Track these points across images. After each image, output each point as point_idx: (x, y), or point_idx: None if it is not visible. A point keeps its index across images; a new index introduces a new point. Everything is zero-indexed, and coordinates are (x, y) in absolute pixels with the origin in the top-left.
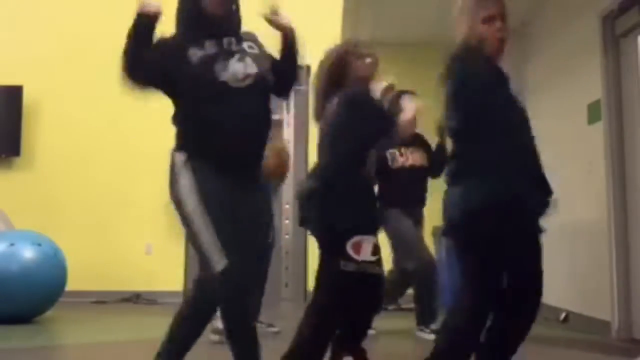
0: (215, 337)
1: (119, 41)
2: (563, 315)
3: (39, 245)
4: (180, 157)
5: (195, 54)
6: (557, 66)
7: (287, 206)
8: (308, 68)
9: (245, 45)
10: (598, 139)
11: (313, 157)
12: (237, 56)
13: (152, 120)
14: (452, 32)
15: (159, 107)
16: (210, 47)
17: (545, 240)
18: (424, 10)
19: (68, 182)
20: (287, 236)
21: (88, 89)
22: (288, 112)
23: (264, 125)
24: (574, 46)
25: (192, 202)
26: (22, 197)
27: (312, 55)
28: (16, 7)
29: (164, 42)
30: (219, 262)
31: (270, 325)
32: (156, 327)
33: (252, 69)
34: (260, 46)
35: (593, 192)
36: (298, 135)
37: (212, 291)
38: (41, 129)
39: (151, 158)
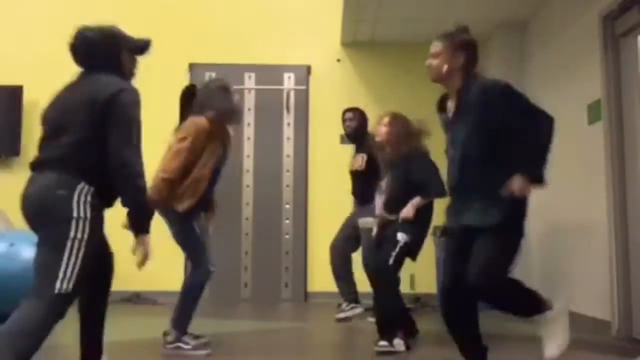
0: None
1: None
2: None
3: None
4: (85, 186)
5: None
6: (557, 66)
7: (287, 206)
8: (308, 68)
9: None
10: (598, 139)
11: (313, 157)
12: None
13: (151, 120)
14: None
15: (159, 106)
16: None
17: (545, 239)
18: (424, 10)
19: None
20: (287, 236)
21: None
22: (288, 111)
23: None
24: (574, 46)
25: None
26: None
27: (312, 55)
28: (16, 7)
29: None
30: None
31: (198, 337)
32: (156, 327)
33: None
34: None
35: (593, 192)
36: (298, 135)
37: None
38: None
39: (151, 158)
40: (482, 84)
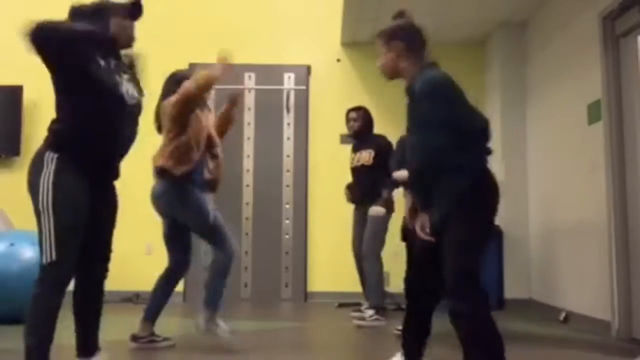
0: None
1: None
2: (563, 315)
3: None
4: (50, 155)
5: (99, 60)
6: (557, 66)
7: (287, 206)
8: (308, 68)
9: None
10: (598, 139)
11: (313, 157)
12: (126, 77)
13: (151, 120)
14: (452, 32)
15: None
16: (109, 61)
17: (546, 239)
18: (424, 10)
19: None
20: (287, 236)
21: None
22: (288, 111)
23: (131, 142)
24: (574, 46)
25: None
26: (22, 197)
27: (312, 55)
28: (16, 7)
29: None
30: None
31: (166, 339)
32: (156, 327)
33: (135, 92)
34: (138, 71)
35: (593, 192)
36: (298, 135)
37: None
38: (41, 129)
39: (151, 157)
40: (423, 76)
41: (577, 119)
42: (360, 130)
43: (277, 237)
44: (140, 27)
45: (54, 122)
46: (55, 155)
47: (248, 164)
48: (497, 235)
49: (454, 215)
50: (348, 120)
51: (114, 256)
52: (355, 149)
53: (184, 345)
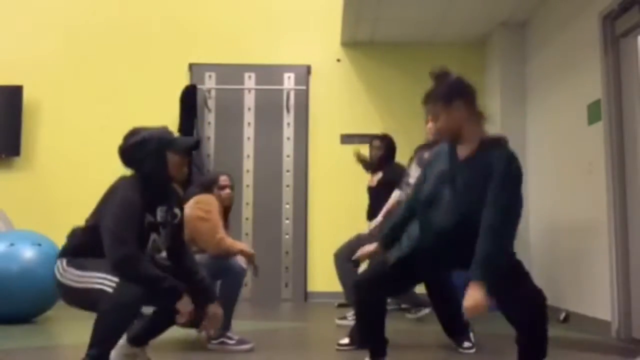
0: None
1: (119, 41)
2: (563, 315)
3: (39, 245)
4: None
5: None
6: (557, 66)
7: (287, 206)
8: (308, 68)
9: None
10: (598, 139)
11: (313, 157)
12: (162, 231)
13: (151, 120)
14: (452, 32)
15: (159, 106)
16: (159, 214)
17: (546, 239)
18: (424, 10)
19: (68, 182)
20: (287, 236)
21: (88, 89)
22: (288, 111)
23: None
24: (574, 46)
25: None
26: (22, 197)
27: (312, 55)
28: (16, 7)
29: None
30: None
31: (242, 342)
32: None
33: (161, 246)
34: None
35: (593, 192)
36: (298, 135)
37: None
38: (41, 129)
39: None
40: (506, 155)
41: (577, 119)
42: (382, 159)
43: (277, 237)
44: (140, 27)
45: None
46: (65, 260)
47: (248, 164)
48: None
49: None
50: (372, 147)
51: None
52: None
53: (184, 346)
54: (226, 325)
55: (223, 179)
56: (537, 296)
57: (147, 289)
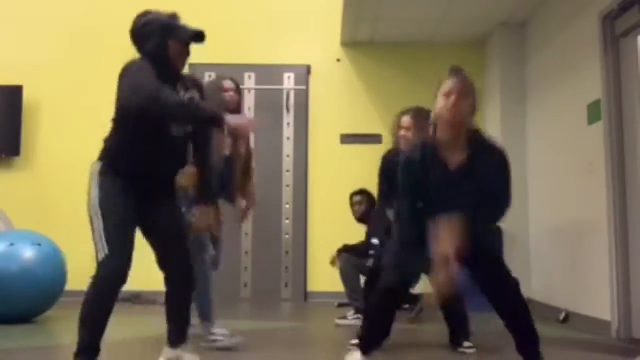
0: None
1: (119, 41)
2: (563, 315)
3: (39, 245)
4: (97, 166)
5: None
6: (557, 66)
7: (287, 206)
8: (308, 68)
9: (187, 95)
10: (598, 139)
11: (313, 156)
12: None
13: None
14: (452, 32)
15: None
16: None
17: (545, 239)
18: (424, 10)
19: (68, 182)
20: (287, 236)
21: (88, 88)
22: (288, 111)
23: (172, 168)
24: (574, 46)
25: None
26: (22, 197)
27: (312, 55)
28: (16, 7)
29: (151, 71)
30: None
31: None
32: (156, 327)
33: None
34: (197, 92)
35: (593, 192)
36: (298, 135)
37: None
38: (41, 129)
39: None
40: (496, 147)
41: (577, 119)
42: (366, 213)
43: (277, 237)
44: None
45: (105, 140)
46: (100, 164)
47: None
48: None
49: None
50: (353, 204)
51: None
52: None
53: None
54: (207, 317)
55: (227, 83)
56: (513, 282)
57: (184, 118)
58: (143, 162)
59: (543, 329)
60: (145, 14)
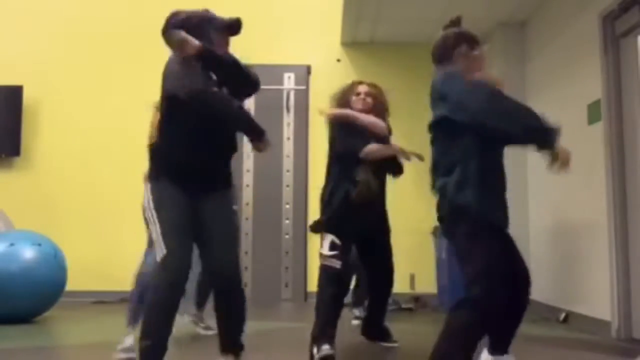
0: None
1: (119, 41)
2: (563, 315)
3: (39, 245)
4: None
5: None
6: (557, 66)
7: (287, 206)
8: (308, 68)
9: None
10: (598, 139)
11: (314, 156)
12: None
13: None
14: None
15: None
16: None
17: (545, 239)
18: (424, 10)
19: (68, 182)
20: (287, 236)
21: (88, 89)
22: (288, 111)
23: (229, 153)
24: (574, 46)
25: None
26: (22, 197)
27: (312, 55)
28: (16, 7)
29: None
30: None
31: (208, 328)
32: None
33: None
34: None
35: (593, 192)
36: (298, 135)
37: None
38: (41, 129)
39: None
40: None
41: (577, 119)
42: None
43: (277, 237)
44: (140, 27)
45: (149, 145)
46: (149, 169)
47: (248, 164)
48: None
49: None
50: None
51: (114, 256)
52: None
53: (183, 344)
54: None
55: None
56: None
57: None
58: (191, 155)
59: (543, 329)
60: (177, 13)
